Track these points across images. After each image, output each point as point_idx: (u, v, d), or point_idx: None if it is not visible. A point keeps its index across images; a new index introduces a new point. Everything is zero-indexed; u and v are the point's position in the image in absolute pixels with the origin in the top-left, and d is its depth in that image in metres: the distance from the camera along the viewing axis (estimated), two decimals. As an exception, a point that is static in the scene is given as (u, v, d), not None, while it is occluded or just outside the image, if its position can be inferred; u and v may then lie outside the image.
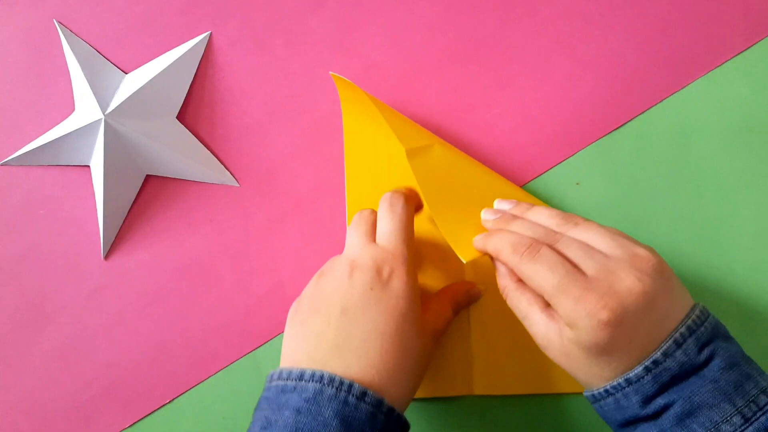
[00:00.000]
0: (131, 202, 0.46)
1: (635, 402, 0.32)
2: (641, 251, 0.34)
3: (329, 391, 0.33)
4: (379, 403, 0.33)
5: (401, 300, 0.36)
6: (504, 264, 0.36)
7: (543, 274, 0.33)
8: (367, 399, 0.33)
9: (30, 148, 0.46)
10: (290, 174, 0.46)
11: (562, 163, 0.46)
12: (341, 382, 0.33)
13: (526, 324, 0.36)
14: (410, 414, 0.43)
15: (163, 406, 0.45)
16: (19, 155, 0.46)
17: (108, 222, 0.45)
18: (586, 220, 0.36)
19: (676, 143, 0.46)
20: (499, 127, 0.46)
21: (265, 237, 0.46)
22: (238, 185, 0.47)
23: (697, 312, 0.33)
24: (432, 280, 0.44)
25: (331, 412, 0.32)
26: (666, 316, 0.33)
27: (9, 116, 0.47)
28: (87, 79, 0.45)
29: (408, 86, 0.47)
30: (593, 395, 0.34)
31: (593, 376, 0.34)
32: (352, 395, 0.33)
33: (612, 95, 0.47)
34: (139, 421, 0.45)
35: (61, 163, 0.46)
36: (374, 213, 0.40)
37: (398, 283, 0.36)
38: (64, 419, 0.45)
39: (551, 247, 0.35)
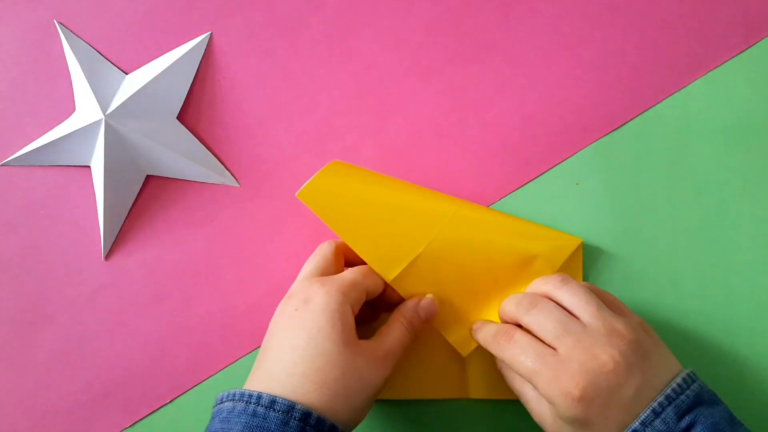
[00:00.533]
0: (131, 203, 0.46)
1: None
2: (620, 327, 0.35)
3: (240, 406, 0.34)
4: (289, 409, 0.33)
5: (319, 314, 0.36)
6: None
7: (518, 359, 0.36)
8: (276, 407, 0.33)
9: (30, 149, 0.46)
10: (290, 174, 0.46)
11: (562, 163, 0.46)
12: (250, 395, 0.34)
13: (523, 401, 0.38)
14: (407, 414, 0.44)
15: (163, 406, 0.45)
16: (20, 155, 0.46)
17: (108, 222, 0.45)
18: (577, 282, 0.38)
19: (676, 143, 0.46)
20: (499, 127, 0.47)
21: (265, 237, 0.46)
22: (238, 185, 0.47)
23: (678, 380, 0.35)
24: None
25: (240, 426, 0.33)
26: (644, 388, 0.34)
27: (9, 116, 0.47)
28: (87, 79, 0.45)
29: (408, 86, 0.47)
30: None
31: None
32: (261, 405, 0.33)
33: (612, 95, 0.47)
34: (139, 421, 0.45)
35: (61, 163, 0.46)
36: (332, 245, 0.41)
37: (319, 301, 0.36)
38: (65, 419, 0.45)
39: (526, 329, 0.37)
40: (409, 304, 0.40)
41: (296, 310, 0.37)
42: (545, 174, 0.46)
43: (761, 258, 0.45)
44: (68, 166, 0.46)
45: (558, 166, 0.46)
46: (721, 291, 0.45)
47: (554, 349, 0.35)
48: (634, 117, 0.46)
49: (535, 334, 0.37)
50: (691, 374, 0.35)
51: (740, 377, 0.44)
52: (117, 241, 0.46)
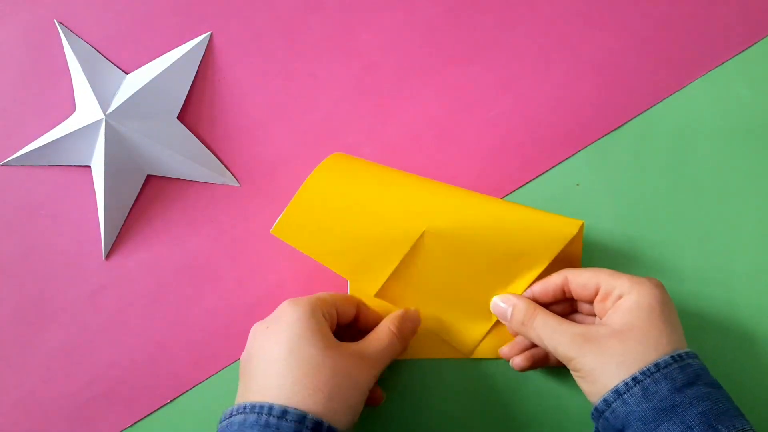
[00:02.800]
0: (132, 202, 0.46)
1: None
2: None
3: (252, 417, 0.34)
4: (302, 419, 0.33)
5: (293, 325, 0.37)
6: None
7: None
8: (288, 417, 0.33)
9: (31, 149, 0.46)
10: (290, 174, 0.46)
11: (562, 163, 0.46)
12: (261, 406, 0.34)
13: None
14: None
15: (163, 406, 0.45)
16: (20, 155, 0.46)
17: (109, 222, 0.45)
18: None
19: (676, 143, 0.46)
20: (499, 127, 0.47)
21: (265, 237, 0.46)
22: (238, 185, 0.47)
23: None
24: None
25: None
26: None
27: (10, 116, 0.47)
28: (88, 79, 0.45)
29: (408, 86, 0.47)
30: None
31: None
32: (273, 416, 0.34)
33: (612, 95, 0.47)
34: (139, 421, 0.45)
35: (61, 163, 0.46)
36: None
37: (290, 315, 0.37)
38: (65, 419, 0.45)
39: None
40: (397, 312, 0.42)
41: (267, 328, 0.38)
42: (545, 174, 0.46)
43: (762, 257, 0.45)
44: (68, 166, 0.46)
45: (558, 166, 0.46)
46: (722, 290, 0.45)
47: None
48: (634, 117, 0.46)
49: None
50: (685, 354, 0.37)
51: (741, 375, 0.44)
52: (117, 241, 0.46)
